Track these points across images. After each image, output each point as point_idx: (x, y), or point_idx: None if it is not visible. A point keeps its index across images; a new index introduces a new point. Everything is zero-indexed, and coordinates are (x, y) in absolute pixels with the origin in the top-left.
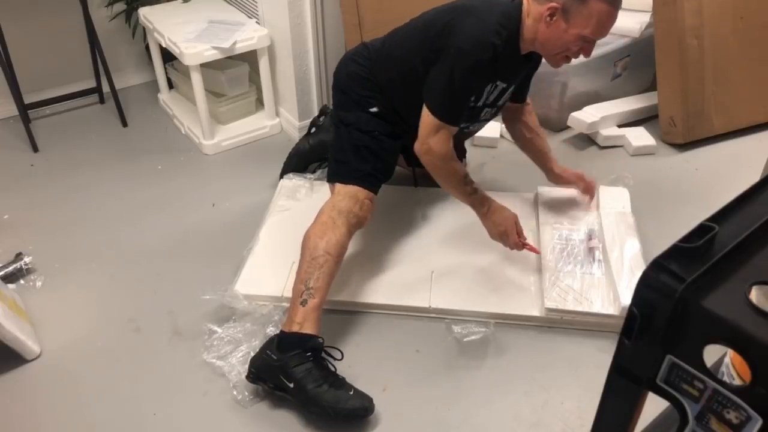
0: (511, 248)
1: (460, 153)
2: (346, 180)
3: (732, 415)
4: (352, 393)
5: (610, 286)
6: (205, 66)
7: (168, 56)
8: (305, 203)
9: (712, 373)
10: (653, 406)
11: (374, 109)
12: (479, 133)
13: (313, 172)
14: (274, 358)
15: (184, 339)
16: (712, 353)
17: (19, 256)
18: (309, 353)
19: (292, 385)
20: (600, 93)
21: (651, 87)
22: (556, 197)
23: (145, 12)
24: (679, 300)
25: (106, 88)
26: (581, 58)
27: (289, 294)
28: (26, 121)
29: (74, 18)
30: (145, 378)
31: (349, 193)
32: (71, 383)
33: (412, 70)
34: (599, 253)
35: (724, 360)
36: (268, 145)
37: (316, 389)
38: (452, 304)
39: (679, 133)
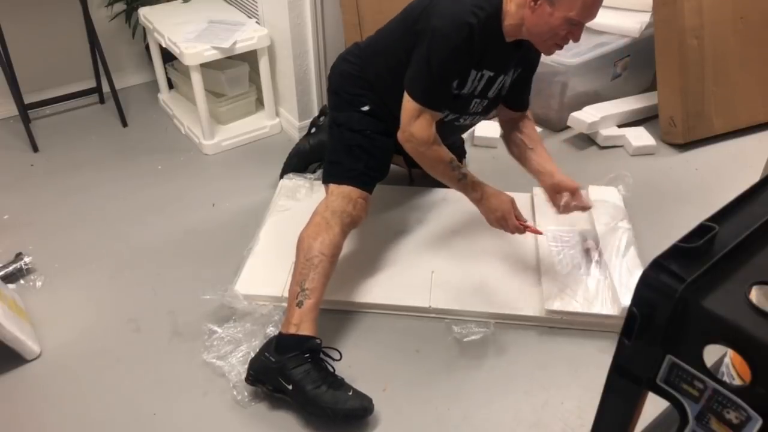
0: (512, 232)
1: (460, 153)
2: (339, 180)
3: (732, 415)
4: (351, 393)
5: (609, 286)
6: (205, 66)
7: (168, 56)
8: (305, 203)
9: (712, 373)
10: (653, 406)
11: (366, 108)
12: (479, 134)
13: (314, 172)
14: (272, 360)
15: (184, 339)
16: (712, 353)
17: (19, 256)
18: (307, 354)
19: (290, 387)
20: (600, 93)
21: (651, 87)
22: None
23: (145, 12)
24: (679, 300)
25: (106, 88)
26: (580, 57)
27: None
28: (26, 121)
29: (74, 18)
30: (145, 378)
31: (343, 193)
32: (71, 383)
33: (398, 62)
34: (596, 254)
35: (724, 360)
36: (268, 145)
37: (315, 390)
38: (452, 304)
39: (679, 133)
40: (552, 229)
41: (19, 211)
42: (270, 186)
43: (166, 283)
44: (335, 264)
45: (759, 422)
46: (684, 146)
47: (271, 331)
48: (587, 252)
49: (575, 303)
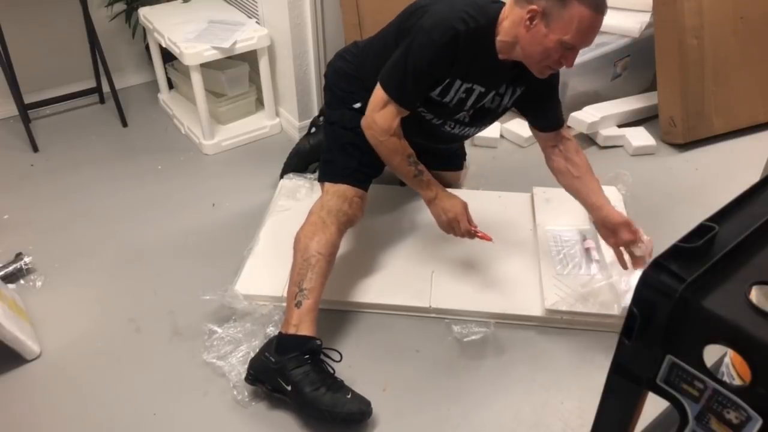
0: (462, 236)
1: (460, 156)
2: (333, 179)
3: (732, 415)
4: (349, 396)
5: (609, 286)
6: (205, 66)
7: (168, 56)
8: (305, 203)
9: (712, 373)
10: (653, 406)
11: (358, 105)
12: (479, 134)
13: (314, 172)
14: (272, 360)
15: (184, 339)
16: (712, 353)
17: (19, 256)
18: (307, 356)
19: (289, 388)
20: (600, 93)
21: (651, 87)
22: (552, 197)
23: (145, 12)
24: (679, 300)
25: (106, 88)
26: (580, 58)
27: None
28: (26, 121)
29: (74, 18)
30: (145, 378)
31: (338, 192)
32: (71, 383)
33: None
34: (596, 254)
35: (724, 360)
36: (268, 145)
37: (314, 392)
38: (452, 304)
39: (679, 133)
40: (552, 229)
41: (19, 211)
42: (270, 186)
43: (166, 283)
44: (333, 263)
45: (759, 422)
46: (684, 146)
47: (271, 330)
48: (587, 252)
49: (575, 303)
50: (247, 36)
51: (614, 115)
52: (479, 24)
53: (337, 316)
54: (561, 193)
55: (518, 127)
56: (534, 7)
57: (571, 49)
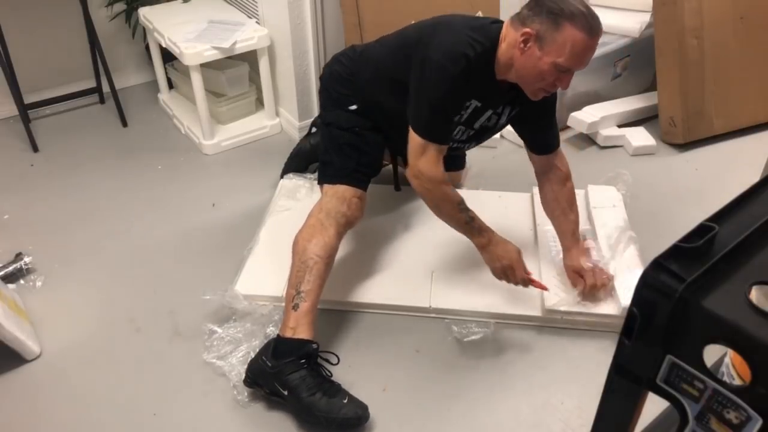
0: (516, 284)
1: (461, 156)
2: (332, 180)
3: (732, 415)
4: (346, 401)
5: (609, 286)
6: (205, 66)
7: (168, 56)
8: (305, 203)
9: (712, 373)
10: (653, 406)
11: (353, 107)
12: None
13: (314, 172)
14: (269, 365)
15: (185, 339)
16: (712, 353)
17: (19, 256)
18: (303, 360)
19: (286, 393)
20: (600, 93)
21: (651, 87)
22: None
23: (145, 12)
24: (679, 300)
25: (106, 88)
26: None
27: None
28: (26, 121)
29: (74, 18)
30: (145, 378)
31: (336, 194)
32: (71, 383)
33: (387, 76)
34: (595, 254)
35: (724, 360)
36: (268, 145)
37: (310, 398)
38: (452, 304)
39: (679, 133)
40: (551, 229)
41: (19, 211)
42: (270, 186)
43: (166, 283)
44: (331, 266)
45: (759, 422)
46: (684, 146)
47: (271, 331)
48: (588, 251)
49: (575, 302)
50: (247, 36)
51: (614, 115)
52: (485, 48)
53: (337, 316)
54: None
55: None
56: (528, 30)
57: (566, 72)
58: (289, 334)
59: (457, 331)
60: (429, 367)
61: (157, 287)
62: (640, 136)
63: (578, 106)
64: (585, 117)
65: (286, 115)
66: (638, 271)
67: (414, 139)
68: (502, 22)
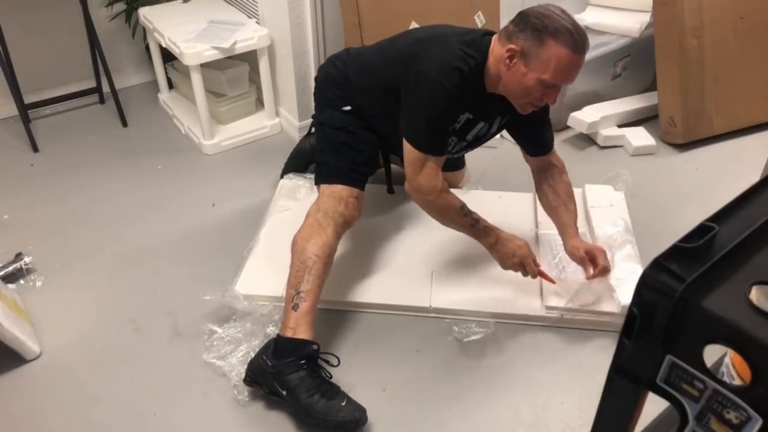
0: (526, 276)
1: (458, 163)
2: (328, 180)
3: (732, 415)
4: (344, 403)
5: (609, 285)
6: (205, 66)
7: (168, 56)
8: (305, 203)
9: (712, 373)
10: (653, 406)
11: (347, 108)
12: None
13: (314, 172)
14: (269, 364)
15: (185, 339)
16: (712, 353)
17: (19, 256)
18: (303, 361)
19: (285, 393)
20: (600, 93)
21: (651, 87)
22: None
23: (145, 12)
24: (679, 300)
25: (106, 88)
26: None
27: None
28: (26, 121)
29: (74, 18)
30: (145, 378)
31: (333, 193)
32: (71, 383)
33: (381, 84)
34: None
35: (724, 360)
36: (268, 145)
37: (308, 399)
38: (452, 304)
39: (679, 133)
40: (549, 233)
41: (19, 211)
42: (270, 186)
43: (166, 283)
44: (330, 266)
45: (759, 422)
46: (684, 146)
47: (271, 330)
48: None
49: (575, 302)
50: (247, 36)
51: (614, 115)
52: (477, 62)
53: (337, 316)
54: None
55: None
56: (512, 46)
57: (552, 88)
58: (289, 334)
59: (457, 331)
60: (429, 367)
61: (157, 287)
62: (640, 136)
63: (578, 106)
64: (585, 117)
65: (286, 115)
66: (638, 271)
67: (411, 153)
68: (493, 33)
